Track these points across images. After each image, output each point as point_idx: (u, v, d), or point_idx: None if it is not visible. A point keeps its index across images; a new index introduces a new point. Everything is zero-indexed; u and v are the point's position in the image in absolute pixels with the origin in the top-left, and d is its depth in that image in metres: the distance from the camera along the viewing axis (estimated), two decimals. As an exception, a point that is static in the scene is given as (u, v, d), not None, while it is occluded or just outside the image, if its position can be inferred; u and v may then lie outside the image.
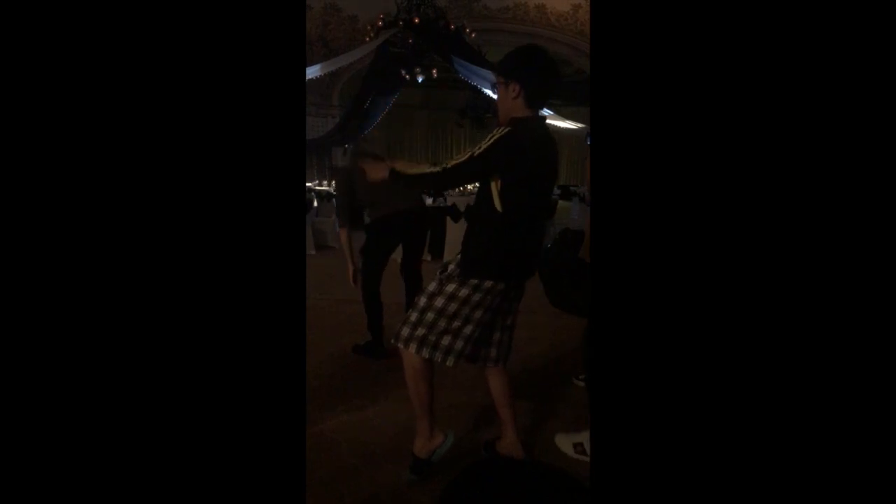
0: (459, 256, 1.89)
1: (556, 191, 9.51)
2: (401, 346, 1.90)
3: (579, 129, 9.10)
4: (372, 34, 7.44)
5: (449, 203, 6.07)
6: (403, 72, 7.87)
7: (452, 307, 1.84)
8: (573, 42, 8.96)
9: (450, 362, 1.86)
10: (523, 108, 1.82)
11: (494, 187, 1.79)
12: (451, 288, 1.84)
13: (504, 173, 1.77)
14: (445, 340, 1.85)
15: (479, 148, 1.76)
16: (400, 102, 11.32)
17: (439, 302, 1.85)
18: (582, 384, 2.83)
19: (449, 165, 1.79)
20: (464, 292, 1.83)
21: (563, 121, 9.18)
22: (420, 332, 1.86)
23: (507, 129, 1.76)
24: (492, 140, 1.75)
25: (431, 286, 1.89)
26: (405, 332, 1.89)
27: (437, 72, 8.10)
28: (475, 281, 1.82)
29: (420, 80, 7.95)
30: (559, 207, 7.88)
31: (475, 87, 8.32)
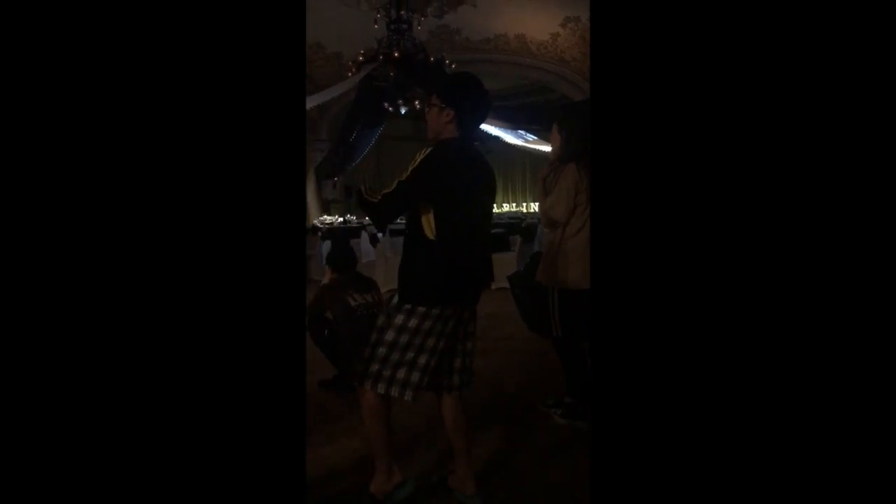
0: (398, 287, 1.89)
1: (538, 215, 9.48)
2: (357, 384, 1.88)
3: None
4: (354, 69, 7.55)
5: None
6: (387, 104, 7.96)
7: (404, 339, 1.82)
8: (554, 69, 9.09)
9: (408, 397, 1.83)
10: (453, 132, 1.85)
11: (424, 214, 1.80)
12: (399, 319, 1.83)
13: (433, 196, 1.79)
14: (401, 373, 1.83)
15: (406, 173, 1.78)
16: (389, 134, 11.39)
17: (389, 335, 1.83)
18: (553, 411, 2.79)
19: (380, 197, 1.81)
20: (413, 322, 1.81)
21: (546, 145, 9.24)
22: (374, 367, 1.84)
23: (429, 150, 1.79)
24: (416, 163, 1.78)
25: (380, 320, 1.88)
26: (360, 369, 1.87)
27: (420, 103, 8.20)
28: (422, 309, 1.81)
29: (403, 111, 8.05)
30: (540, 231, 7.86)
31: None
